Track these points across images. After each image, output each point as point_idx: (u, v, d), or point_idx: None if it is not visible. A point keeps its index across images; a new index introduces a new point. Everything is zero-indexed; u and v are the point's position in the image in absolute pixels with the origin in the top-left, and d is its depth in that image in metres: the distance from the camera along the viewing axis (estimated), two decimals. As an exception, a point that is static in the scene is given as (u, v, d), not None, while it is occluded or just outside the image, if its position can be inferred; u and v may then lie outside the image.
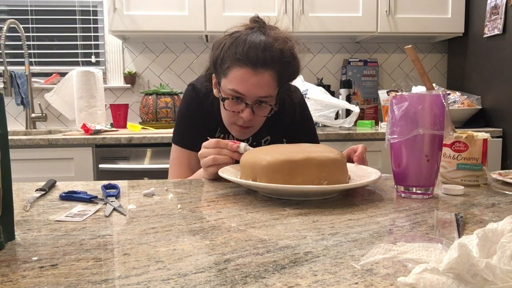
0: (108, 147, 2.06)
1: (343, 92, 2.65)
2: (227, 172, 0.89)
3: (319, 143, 1.31)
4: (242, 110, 1.08)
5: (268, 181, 0.78)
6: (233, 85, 1.05)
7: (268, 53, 1.02)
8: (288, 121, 1.24)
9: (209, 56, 1.14)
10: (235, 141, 0.98)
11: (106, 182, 0.92)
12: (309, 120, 1.33)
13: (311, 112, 2.29)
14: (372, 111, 2.78)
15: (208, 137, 1.04)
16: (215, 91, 1.15)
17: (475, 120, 2.39)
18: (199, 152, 1.00)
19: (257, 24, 1.09)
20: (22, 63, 2.60)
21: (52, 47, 2.77)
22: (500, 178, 0.93)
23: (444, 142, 0.86)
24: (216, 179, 0.99)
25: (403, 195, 0.82)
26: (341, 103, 2.34)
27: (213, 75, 1.14)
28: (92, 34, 2.77)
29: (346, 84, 2.67)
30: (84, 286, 0.42)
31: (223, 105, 1.10)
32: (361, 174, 0.90)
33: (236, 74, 1.04)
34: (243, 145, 0.96)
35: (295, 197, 0.79)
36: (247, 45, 1.02)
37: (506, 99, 2.25)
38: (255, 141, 1.24)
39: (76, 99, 2.44)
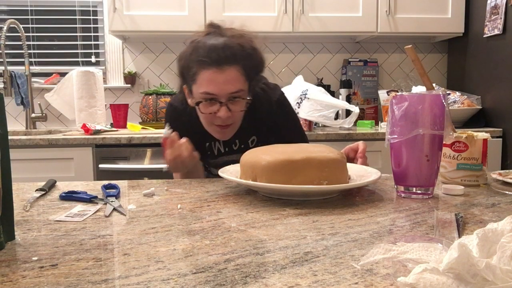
0: (108, 147, 2.06)
1: (343, 92, 2.64)
2: (227, 172, 0.89)
3: (307, 141, 1.31)
4: (218, 109, 1.10)
5: (268, 181, 0.78)
6: (203, 87, 1.08)
7: (229, 49, 1.07)
8: (265, 115, 1.23)
9: (177, 69, 1.17)
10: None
11: (106, 182, 0.92)
12: (291, 118, 1.31)
13: (311, 112, 2.28)
14: (372, 111, 2.78)
15: (196, 147, 1.14)
16: (189, 101, 1.17)
17: (475, 120, 2.38)
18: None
19: (213, 28, 1.14)
20: (22, 63, 2.60)
21: (52, 47, 2.76)
22: (500, 178, 0.93)
23: (444, 142, 0.86)
24: (219, 177, 0.99)
25: (403, 195, 0.82)
26: (341, 103, 2.34)
27: (184, 86, 1.17)
28: (92, 34, 2.77)
29: (346, 84, 2.67)
30: (84, 286, 0.42)
31: (199, 109, 1.13)
32: (361, 174, 0.90)
33: (204, 76, 1.08)
34: (164, 130, 1.09)
35: (295, 197, 0.79)
36: (207, 47, 1.07)
37: (506, 99, 2.25)
38: (242, 144, 1.25)
39: (76, 99, 2.44)
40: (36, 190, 0.86)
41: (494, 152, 2.21)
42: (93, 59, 2.76)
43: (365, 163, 1.04)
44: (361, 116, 2.62)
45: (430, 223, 0.63)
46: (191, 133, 1.23)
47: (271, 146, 0.91)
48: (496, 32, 2.26)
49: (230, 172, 0.91)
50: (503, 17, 2.21)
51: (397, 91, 2.53)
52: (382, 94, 2.56)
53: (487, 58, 2.39)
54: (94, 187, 0.93)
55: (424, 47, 2.88)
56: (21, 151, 2.00)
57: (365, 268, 0.45)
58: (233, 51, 1.07)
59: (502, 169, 1.84)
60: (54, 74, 2.69)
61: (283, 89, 2.45)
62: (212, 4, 2.37)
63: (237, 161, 0.94)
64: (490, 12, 2.31)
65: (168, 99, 2.39)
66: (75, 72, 2.44)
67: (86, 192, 0.82)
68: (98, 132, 2.11)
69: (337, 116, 2.41)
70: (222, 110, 1.10)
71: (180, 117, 1.24)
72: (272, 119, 1.24)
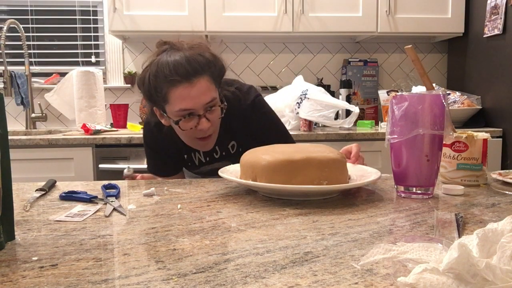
0: (108, 147, 2.06)
1: (343, 92, 2.64)
2: (227, 172, 0.89)
3: (293, 141, 1.29)
4: (198, 122, 1.10)
5: (268, 181, 0.78)
6: (178, 105, 1.07)
7: (193, 62, 1.07)
8: (240, 119, 1.22)
9: (142, 94, 1.16)
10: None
11: (106, 182, 0.92)
12: (269, 120, 1.28)
13: (311, 112, 2.27)
14: (372, 111, 2.78)
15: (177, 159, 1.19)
16: (163, 121, 1.16)
17: (475, 120, 2.38)
18: None
19: (167, 45, 1.14)
20: (22, 63, 2.59)
21: (52, 47, 2.76)
22: (500, 178, 0.93)
23: (444, 142, 0.86)
24: (219, 177, 0.99)
25: (403, 195, 0.82)
26: (341, 103, 2.34)
27: (154, 108, 1.15)
28: (92, 34, 2.77)
29: (346, 84, 2.67)
30: (84, 286, 0.42)
31: (179, 127, 1.11)
32: (361, 174, 0.90)
33: (176, 94, 1.06)
34: (125, 170, 1.17)
35: (295, 197, 0.79)
36: (171, 64, 1.06)
37: (506, 99, 2.25)
38: (223, 151, 1.24)
39: (76, 99, 2.44)
40: (36, 190, 0.86)
41: (494, 152, 2.21)
42: (93, 59, 2.76)
43: (361, 164, 1.03)
44: (361, 116, 2.62)
45: (430, 223, 0.63)
46: (169, 147, 1.25)
47: (271, 146, 0.91)
48: (496, 32, 2.26)
49: (230, 172, 0.91)
50: (503, 17, 2.21)
51: (397, 91, 2.53)
52: (382, 94, 2.56)
53: (487, 58, 2.39)
54: (94, 187, 0.93)
55: (424, 47, 2.88)
56: (21, 151, 2.00)
57: (365, 268, 0.45)
58: (197, 63, 1.07)
59: (502, 169, 1.84)
60: (54, 74, 2.69)
61: (283, 89, 2.42)
62: (212, 4, 2.37)
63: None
64: (490, 12, 2.31)
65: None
66: (75, 72, 2.44)
67: (86, 192, 0.82)
68: (98, 132, 2.11)
69: (337, 116, 2.41)
70: (202, 123, 1.09)
71: (158, 134, 1.24)
72: (248, 122, 1.22)
